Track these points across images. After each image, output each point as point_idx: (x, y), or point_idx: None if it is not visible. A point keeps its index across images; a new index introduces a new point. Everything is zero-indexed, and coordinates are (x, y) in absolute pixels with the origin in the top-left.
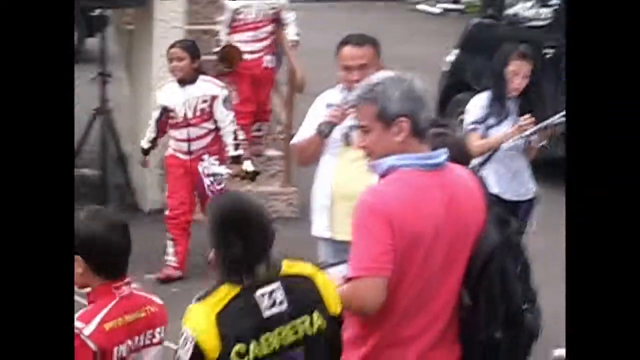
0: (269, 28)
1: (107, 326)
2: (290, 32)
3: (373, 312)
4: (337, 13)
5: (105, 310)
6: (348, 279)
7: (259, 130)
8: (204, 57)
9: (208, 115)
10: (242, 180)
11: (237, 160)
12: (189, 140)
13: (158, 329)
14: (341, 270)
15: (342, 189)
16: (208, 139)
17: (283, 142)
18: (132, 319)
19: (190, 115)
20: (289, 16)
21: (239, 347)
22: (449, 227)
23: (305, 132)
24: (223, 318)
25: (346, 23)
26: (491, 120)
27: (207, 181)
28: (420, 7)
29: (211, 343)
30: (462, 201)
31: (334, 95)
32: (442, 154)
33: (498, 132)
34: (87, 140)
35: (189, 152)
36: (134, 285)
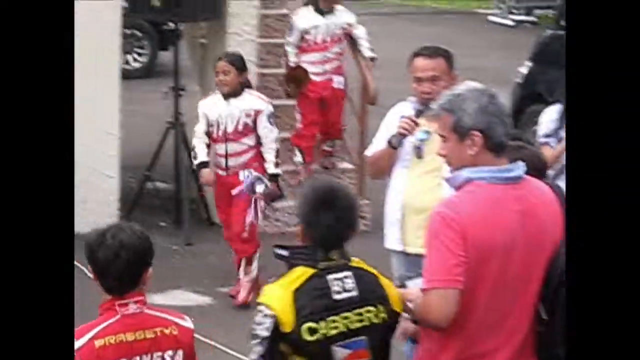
0: (338, 48)
1: (97, 343)
2: (364, 49)
3: (445, 325)
4: (411, 24)
5: (100, 327)
6: (422, 291)
7: (331, 146)
8: (274, 71)
9: (250, 130)
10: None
11: (275, 178)
12: (226, 155)
13: (170, 352)
14: (418, 284)
15: (413, 202)
16: (247, 156)
17: (356, 155)
18: (132, 338)
19: (230, 129)
20: (360, 32)
21: (310, 324)
22: (524, 241)
23: (377, 144)
24: (299, 295)
25: (419, 34)
26: (563, 132)
27: (244, 188)
28: (494, 19)
29: (287, 318)
30: (539, 215)
31: (407, 107)
32: (519, 167)
33: None
34: (161, 154)
35: (226, 168)
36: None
